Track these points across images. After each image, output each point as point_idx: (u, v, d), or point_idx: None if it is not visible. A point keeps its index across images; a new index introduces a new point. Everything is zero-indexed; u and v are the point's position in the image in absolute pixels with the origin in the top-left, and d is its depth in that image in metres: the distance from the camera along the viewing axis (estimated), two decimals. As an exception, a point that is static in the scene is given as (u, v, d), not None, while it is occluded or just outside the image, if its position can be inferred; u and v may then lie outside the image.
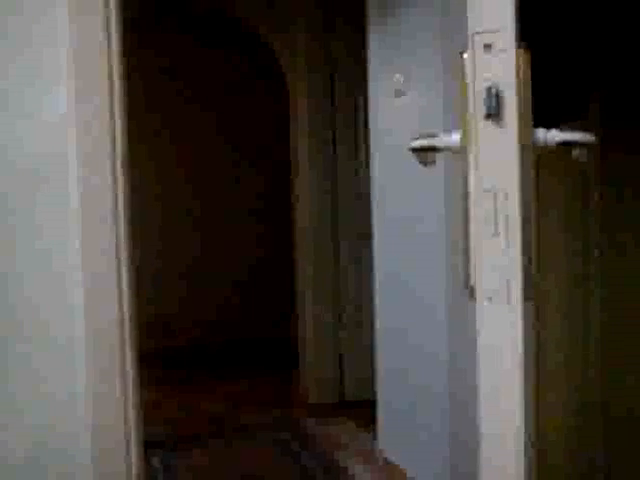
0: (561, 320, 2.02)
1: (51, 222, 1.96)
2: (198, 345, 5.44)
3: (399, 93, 2.82)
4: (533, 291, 0.94)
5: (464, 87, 0.97)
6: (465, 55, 0.97)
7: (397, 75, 2.84)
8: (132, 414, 2.00)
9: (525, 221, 0.94)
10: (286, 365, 4.59)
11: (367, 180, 3.32)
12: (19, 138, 1.94)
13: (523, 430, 0.95)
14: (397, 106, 2.86)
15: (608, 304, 2.02)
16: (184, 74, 5.51)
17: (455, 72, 1.05)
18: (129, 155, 2.02)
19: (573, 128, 1.02)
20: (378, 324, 3.15)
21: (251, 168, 5.71)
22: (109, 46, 1.94)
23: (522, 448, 0.97)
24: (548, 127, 1.02)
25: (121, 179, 1.97)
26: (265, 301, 5.63)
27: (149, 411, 2.48)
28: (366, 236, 3.40)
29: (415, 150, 1.05)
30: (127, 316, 1.98)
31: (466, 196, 0.97)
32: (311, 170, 4.07)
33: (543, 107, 1.08)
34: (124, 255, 1.97)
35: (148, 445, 2.25)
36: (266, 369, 4.95)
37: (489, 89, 0.94)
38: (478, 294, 0.96)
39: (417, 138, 1.05)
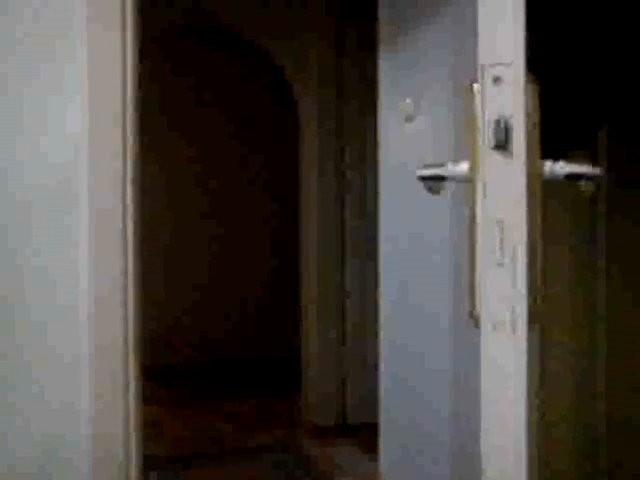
0: (568, 348, 2.02)
1: (59, 240, 1.97)
2: (203, 364, 5.43)
3: (409, 117, 2.84)
4: (538, 321, 0.95)
5: (473, 118, 0.98)
6: (475, 87, 0.98)
7: (407, 99, 2.86)
8: (133, 430, 2.00)
9: (531, 251, 0.95)
10: (290, 385, 4.58)
11: (375, 200, 3.33)
12: (31, 154, 1.96)
13: (526, 458, 0.95)
14: (406, 130, 2.87)
15: (614, 330, 2.02)
16: (196, 86, 5.56)
17: (465, 100, 1.06)
18: (140, 171, 2.04)
19: (580, 160, 1.04)
20: (382, 346, 3.14)
21: (259, 188, 5.74)
22: (124, 66, 1.97)
23: (526, 475, 0.97)
24: (556, 159, 1.03)
25: (131, 197, 1.99)
26: (271, 321, 5.63)
27: (151, 429, 2.48)
28: (372, 257, 3.41)
29: (423, 178, 1.06)
30: (132, 334, 1.98)
31: (472, 225, 0.98)
32: (319, 190, 4.09)
33: (551, 139, 1.10)
34: (131, 274, 1.98)
35: (147, 463, 2.25)
36: (270, 389, 4.93)
37: (498, 121, 0.95)
38: (483, 323, 0.96)
39: (425, 167, 1.06)
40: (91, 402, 1.96)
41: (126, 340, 1.97)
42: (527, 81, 0.96)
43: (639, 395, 2.02)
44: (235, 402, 4.61)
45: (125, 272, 1.97)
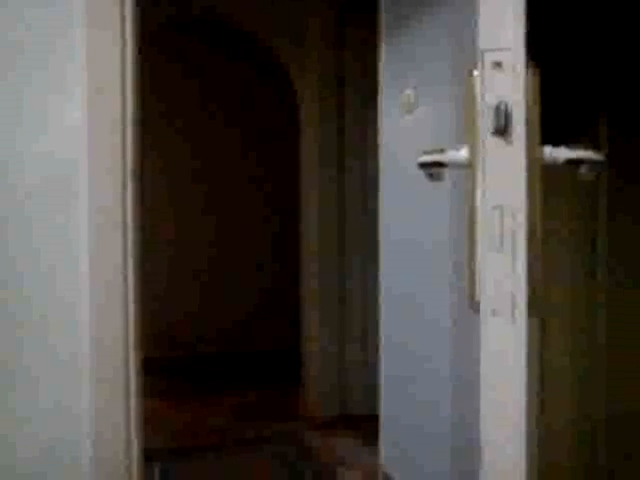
0: (567, 336, 2.02)
1: (59, 236, 1.97)
2: (204, 357, 5.45)
3: (409, 109, 2.84)
4: (538, 307, 0.95)
5: (473, 104, 0.98)
6: (475, 72, 0.98)
7: (408, 91, 2.86)
8: (134, 425, 2.00)
9: (531, 237, 0.95)
10: (292, 378, 4.59)
11: (376, 196, 3.33)
12: (31, 150, 1.96)
13: (525, 444, 0.95)
14: (407, 121, 2.87)
15: (614, 320, 2.02)
16: (197, 82, 5.56)
17: (464, 88, 1.06)
18: (140, 167, 2.03)
19: (581, 145, 1.03)
20: (383, 338, 3.15)
21: (260, 183, 5.74)
22: (123, 62, 1.96)
23: (524, 463, 0.97)
24: (556, 144, 1.03)
25: (131, 191, 1.98)
26: (273, 313, 5.64)
27: (152, 422, 2.48)
28: (373, 251, 3.41)
29: (423, 165, 1.06)
30: (132, 330, 1.98)
31: (473, 212, 0.98)
32: (319, 185, 4.09)
33: (551, 124, 1.09)
34: (131, 270, 1.98)
35: (149, 455, 2.26)
36: (271, 382, 4.94)
37: (498, 106, 0.95)
38: (482, 309, 0.96)
39: (425, 153, 1.06)
40: (92, 399, 1.96)
41: (126, 336, 1.97)
42: (527, 66, 0.95)
43: (639, 386, 2.02)
44: (236, 394, 4.62)
45: (125, 268, 1.97)
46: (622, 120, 1.93)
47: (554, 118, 1.17)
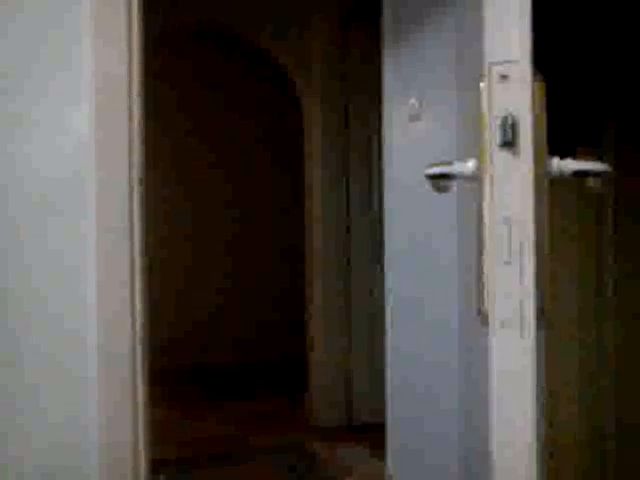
0: (575, 346, 2.02)
1: (65, 247, 1.97)
2: (210, 366, 5.44)
3: (413, 118, 2.84)
4: (546, 319, 0.95)
5: (480, 116, 0.98)
6: (481, 85, 0.98)
7: (412, 100, 2.86)
8: (142, 437, 2.00)
9: (539, 249, 0.95)
10: (298, 386, 4.58)
11: (380, 204, 3.33)
12: (36, 161, 1.96)
13: (535, 456, 0.95)
14: (411, 131, 2.87)
15: (622, 332, 2.01)
16: (200, 85, 5.59)
17: (470, 99, 1.06)
18: (146, 177, 2.04)
19: (588, 157, 1.03)
20: (389, 346, 3.14)
21: (264, 191, 5.75)
22: (130, 70, 1.97)
23: (535, 475, 0.96)
24: (563, 156, 1.03)
25: (138, 200, 1.99)
26: (280, 322, 5.63)
27: (157, 430, 2.48)
28: (378, 259, 3.41)
29: (430, 177, 1.06)
30: (140, 340, 1.98)
31: (480, 224, 0.98)
32: (324, 193, 4.09)
33: (558, 135, 1.10)
34: (139, 279, 1.98)
35: (155, 464, 2.26)
36: (278, 391, 4.93)
37: (505, 119, 0.95)
38: (491, 321, 0.96)
39: (433, 165, 1.06)
40: (99, 411, 1.96)
41: (134, 345, 1.97)
42: (534, 78, 0.96)
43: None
44: (243, 403, 4.62)
45: (132, 277, 1.97)
46: (630, 128, 1.93)
47: (560, 128, 1.17)
